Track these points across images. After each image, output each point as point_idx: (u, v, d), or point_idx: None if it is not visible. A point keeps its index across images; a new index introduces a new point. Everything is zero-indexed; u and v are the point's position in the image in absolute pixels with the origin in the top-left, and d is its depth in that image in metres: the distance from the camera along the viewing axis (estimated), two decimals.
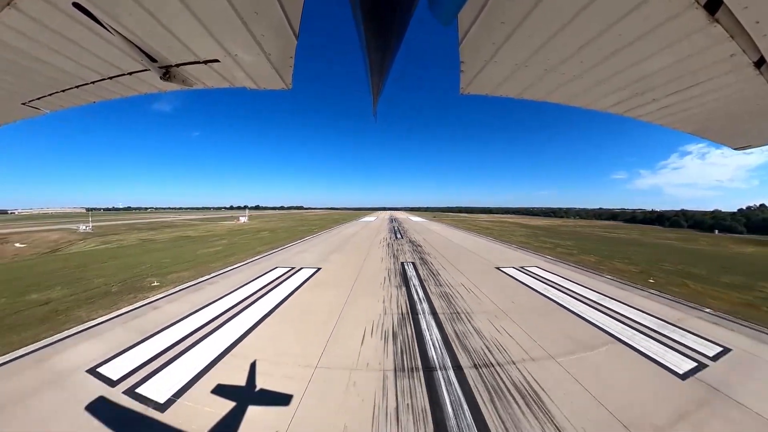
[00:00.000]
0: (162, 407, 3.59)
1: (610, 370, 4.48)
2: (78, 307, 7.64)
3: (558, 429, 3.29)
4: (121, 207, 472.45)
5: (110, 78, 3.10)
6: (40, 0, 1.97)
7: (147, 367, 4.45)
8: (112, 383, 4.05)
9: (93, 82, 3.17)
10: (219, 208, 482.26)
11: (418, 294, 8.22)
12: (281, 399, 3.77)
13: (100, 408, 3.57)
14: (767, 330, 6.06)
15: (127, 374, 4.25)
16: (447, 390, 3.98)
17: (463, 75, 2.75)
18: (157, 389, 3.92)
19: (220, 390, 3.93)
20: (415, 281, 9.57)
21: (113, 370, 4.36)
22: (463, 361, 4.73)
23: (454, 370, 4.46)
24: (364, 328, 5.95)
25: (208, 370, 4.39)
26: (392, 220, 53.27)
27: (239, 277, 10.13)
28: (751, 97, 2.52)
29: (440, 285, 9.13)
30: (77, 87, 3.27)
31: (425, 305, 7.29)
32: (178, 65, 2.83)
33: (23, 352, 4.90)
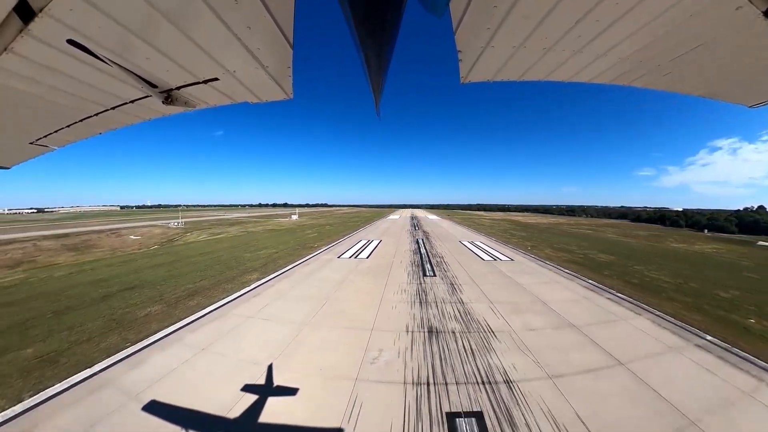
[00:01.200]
0: (360, 259, 17.48)
1: (467, 260, 17.96)
2: (302, 248, 21.80)
3: (447, 271, 16.78)
4: (149, 205, 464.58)
5: (113, 108, 3.19)
6: (35, 41, 2.02)
7: (351, 251, 18.48)
8: (339, 256, 18.07)
9: (97, 114, 3.27)
10: (246, 206, 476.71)
11: (421, 244, 21.86)
12: (388, 259, 17.55)
13: (337, 262, 17.53)
14: (538, 258, 19.14)
15: (349, 255, 18.30)
16: (422, 253, 17.70)
17: (461, 64, 2.76)
18: (357, 256, 17.88)
19: (377, 254, 17.78)
20: (421, 242, 23.37)
21: (341, 255, 18.46)
22: (427, 252, 18.31)
23: (423, 255, 18.17)
24: (405, 249, 20.11)
25: (370, 254, 18.32)
26: (413, 217, 66.91)
27: (346, 243, 24.14)
28: (763, 49, 2.33)
29: (432, 245, 22.80)
30: (81, 121, 3.38)
31: (424, 248, 20.97)
32: (178, 88, 2.91)
33: (312, 255, 19.06)
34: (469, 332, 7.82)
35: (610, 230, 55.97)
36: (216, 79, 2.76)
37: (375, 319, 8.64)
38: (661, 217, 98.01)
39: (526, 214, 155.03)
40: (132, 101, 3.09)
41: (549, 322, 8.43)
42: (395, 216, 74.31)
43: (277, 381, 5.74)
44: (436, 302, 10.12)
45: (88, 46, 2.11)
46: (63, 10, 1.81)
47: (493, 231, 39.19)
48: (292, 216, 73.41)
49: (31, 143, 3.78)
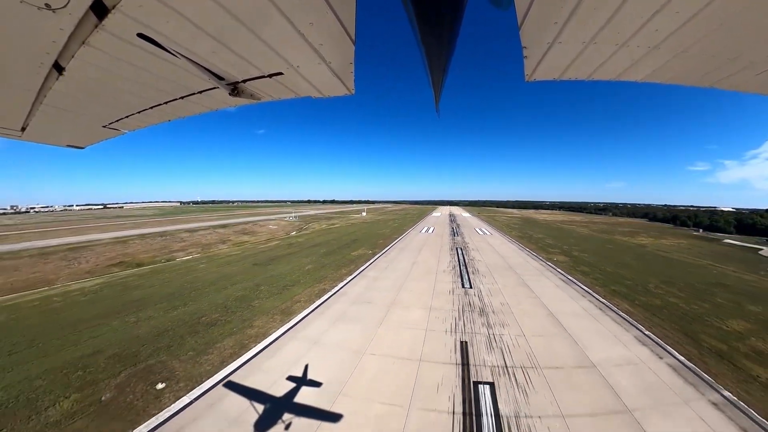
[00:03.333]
0: (428, 234, 42.65)
1: (473, 235, 42.24)
2: (397, 231, 47.44)
3: (464, 236, 41.22)
4: (199, 201, 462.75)
5: (182, 98, 3.37)
6: (108, 35, 2.14)
7: (422, 231, 43.76)
8: (419, 232, 43.28)
9: (166, 102, 3.46)
10: (296, 202, 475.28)
11: (455, 228, 46.41)
12: (440, 230, 42.49)
13: (420, 234, 42.80)
14: (507, 235, 42.82)
15: (422, 231, 43.47)
16: (455, 228, 42.19)
17: (526, 61, 2.61)
18: (426, 232, 43.08)
19: (435, 232, 42.80)
20: (456, 229, 47.94)
21: (420, 231, 43.65)
22: (457, 230, 42.86)
23: (454, 230, 42.70)
24: (445, 226, 45.05)
25: (432, 231, 43.44)
26: (450, 215, 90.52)
27: (417, 228, 49.62)
28: None
29: (462, 230, 47.27)
30: (151, 108, 3.59)
31: (458, 230, 45.49)
32: (244, 81, 2.99)
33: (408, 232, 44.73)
34: (465, 234, 32.49)
35: (594, 226, 75.00)
36: (280, 73, 2.84)
37: (441, 244, 33.64)
38: (673, 217, 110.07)
39: (553, 212, 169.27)
40: (200, 92, 3.25)
41: (494, 245, 32.75)
42: (437, 213, 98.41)
43: (424, 246, 30.89)
44: (462, 238, 34.87)
45: (157, 39, 2.25)
46: (133, 6, 1.91)
47: (497, 224, 62.04)
48: (362, 213, 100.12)
49: (104, 126, 4.06)
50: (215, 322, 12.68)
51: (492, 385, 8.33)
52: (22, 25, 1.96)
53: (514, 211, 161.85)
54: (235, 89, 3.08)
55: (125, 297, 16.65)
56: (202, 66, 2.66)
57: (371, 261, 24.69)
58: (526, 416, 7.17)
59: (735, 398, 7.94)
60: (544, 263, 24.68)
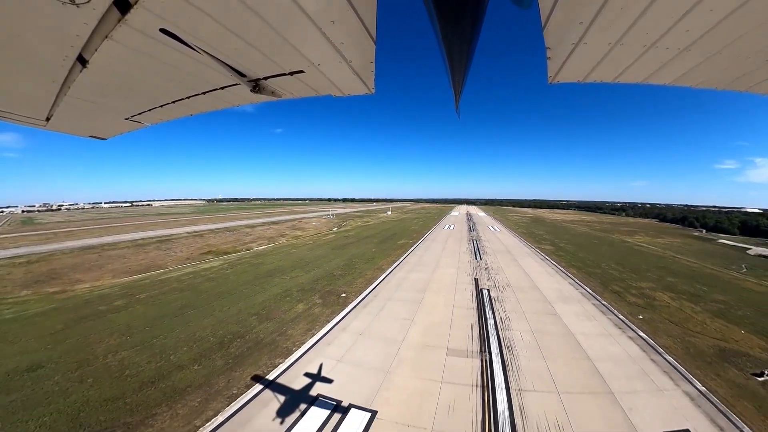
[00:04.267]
0: (450, 229, 53.79)
1: (486, 230, 52.99)
2: (424, 228, 58.75)
3: (478, 231, 52.03)
4: (220, 198, 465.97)
5: (203, 93, 3.41)
6: (131, 30, 2.17)
7: (445, 227, 54.86)
8: (443, 228, 54.46)
9: (188, 97, 3.51)
10: (314, 200, 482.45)
11: (472, 226, 57.25)
12: (460, 227, 53.54)
13: (443, 230, 53.94)
14: (513, 231, 53.30)
15: (445, 228, 54.66)
16: (471, 225, 53.12)
17: (550, 62, 2.55)
18: (448, 228, 54.18)
19: (455, 228, 53.84)
20: (472, 226, 58.76)
21: (444, 227, 54.89)
22: (473, 227, 53.72)
23: (470, 231, 53.50)
24: (463, 224, 56.09)
25: (453, 228, 54.56)
26: (468, 214, 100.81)
27: (441, 225, 60.61)
28: None
29: (477, 227, 57.99)
30: (173, 102, 3.65)
31: (473, 227, 56.31)
32: (266, 78, 3.03)
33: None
34: (479, 230, 43.42)
35: (598, 225, 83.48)
36: (302, 71, 2.87)
37: (461, 237, 44.68)
38: (682, 218, 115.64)
39: (567, 211, 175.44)
40: (222, 88, 3.28)
41: (500, 238, 43.57)
42: (456, 213, 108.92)
43: (448, 238, 42.05)
44: (477, 233, 45.84)
45: (179, 35, 2.28)
46: (156, 1, 1.93)
47: (507, 223, 71.98)
48: (387, 212, 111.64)
49: (126, 119, 4.13)
50: (343, 275, 24.19)
51: (489, 290, 19.57)
52: (47, 19, 2.02)
53: (529, 210, 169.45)
54: (256, 86, 3.15)
55: (258, 270, 26.99)
56: (224, 62, 2.71)
57: (414, 246, 36.02)
58: (501, 300, 18.28)
59: (608, 304, 18.41)
60: (534, 250, 35.46)
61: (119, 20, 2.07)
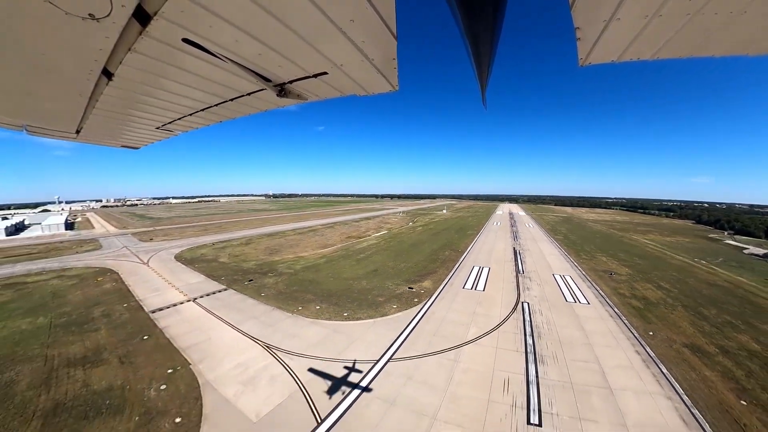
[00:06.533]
0: (498, 225, 79.62)
1: (523, 226, 77.91)
2: (479, 224, 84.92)
3: (519, 227, 77.16)
4: (270, 194, 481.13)
5: (231, 100, 3.49)
6: (153, 41, 2.22)
7: (494, 224, 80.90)
8: (493, 223, 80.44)
9: (216, 105, 3.59)
10: (360, 196, 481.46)
11: (513, 222, 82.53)
12: (505, 223, 79.08)
13: (493, 226, 79.84)
14: (540, 225, 77.57)
15: (493, 225, 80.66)
16: (512, 222, 78.61)
17: (580, 43, 2.35)
18: (496, 224, 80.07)
19: (501, 225, 79.50)
20: (513, 223, 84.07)
21: (494, 223, 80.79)
22: (513, 224, 79.05)
23: (512, 226, 78.85)
24: (507, 221, 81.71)
25: (499, 225, 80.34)
26: (510, 213, 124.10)
27: (491, 221, 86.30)
28: None
29: (517, 224, 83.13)
30: (202, 110, 3.75)
31: (514, 224, 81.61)
32: (291, 82, 3.08)
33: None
34: (518, 226, 68.95)
35: (618, 225, 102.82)
36: (325, 73, 2.89)
37: (506, 229, 70.64)
38: (717, 220, 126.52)
39: (606, 210, 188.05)
40: (248, 94, 3.35)
41: (531, 232, 68.89)
42: (500, 212, 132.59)
43: (498, 230, 68.07)
44: (516, 228, 71.43)
45: (202, 44, 2.30)
46: (175, 12, 1.96)
47: (541, 221, 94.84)
48: (443, 210, 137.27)
49: (157, 128, 4.28)
50: (451, 244, 52.17)
51: (519, 251, 46.75)
52: (69, 35, 2.05)
53: (568, 209, 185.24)
54: (282, 90, 3.18)
55: (402, 244, 56.55)
56: (248, 68, 2.75)
57: (478, 234, 62.94)
58: (524, 254, 45.08)
59: (569, 256, 44.26)
60: (550, 238, 61.08)
61: (140, 32, 2.13)
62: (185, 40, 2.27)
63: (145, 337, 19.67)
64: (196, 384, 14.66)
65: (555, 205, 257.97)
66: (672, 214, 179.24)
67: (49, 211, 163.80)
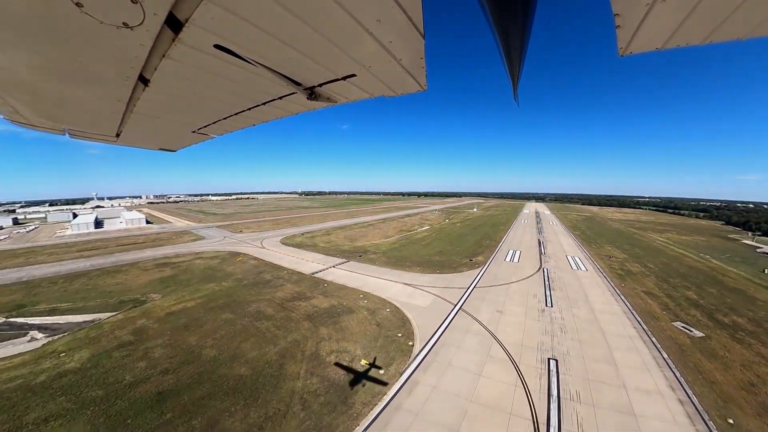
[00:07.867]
0: (526, 222, 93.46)
1: (548, 221, 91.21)
2: (508, 221, 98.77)
3: (544, 223, 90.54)
4: (300, 192, 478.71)
5: (263, 104, 3.56)
6: (186, 48, 2.27)
7: (522, 221, 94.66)
8: (521, 221, 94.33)
9: (249, 109, 3.69)
10: (387, 194, 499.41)
11: (538, 221, 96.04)
12: (531, 221, 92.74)
13: (521, 222, 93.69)
14: (560, 221, 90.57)
15: (522, 222, 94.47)
16: (538, 220, 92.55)
17: (620, 31, 2.15)
18: (523, 222, 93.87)
19: (528, 221, 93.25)
20: (538, 221, 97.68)
21: (521, 221, 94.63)
22: (539, 222, 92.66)
23: (537, 223, 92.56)
24: (533, 219, 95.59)
25: (526, 221, 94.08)
26: (536, 212, 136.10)
27: (520, 218, 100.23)
28: None
29: (542, 222, 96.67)
30: (236, 114, 3.83)
31: (539, 222, 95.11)
32: (320, 85, 3.10)
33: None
34: (542, 223, 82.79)
35: (637, 224, 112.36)
36: (353, 75, 2.90)
37: (532, 226, 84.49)
38: (746, 222, 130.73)
39: (634, 210, 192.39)
40: (280, 98, 3.40)
41: (554, 228, 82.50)
42: (527, 211, 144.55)
43: (525, 227, 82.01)
44: (541, 225, 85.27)
45: (234, 49, 2.35)
46: (206, 19, 2.00)
47: (564, 220, 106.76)
48: (474, 209, 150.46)
49: (193, 132, 4.37)
50: (488, 237, 67.18)
51: (543, 242, 61.24)
52: (106, 43, 2.11)
53: (594, 208, 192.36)
54: (312, 93, 3.20)
55: (451, 235, 71.99)
56: (279, 72, 2.77)
57: (509, 229, 77.75)
58: (546, 244, 59.69)
59: (582, 244, 58.26)
60: (569, 233, 74.51)
61: (173, 39, 2.18)
62: (217, 46, 2.33)
63: (325, 285, 34.96)
64: (383, 298, 30.81)
65: (582, 204, 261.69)
66: (703, 214, 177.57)
67: (102, 207, 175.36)
